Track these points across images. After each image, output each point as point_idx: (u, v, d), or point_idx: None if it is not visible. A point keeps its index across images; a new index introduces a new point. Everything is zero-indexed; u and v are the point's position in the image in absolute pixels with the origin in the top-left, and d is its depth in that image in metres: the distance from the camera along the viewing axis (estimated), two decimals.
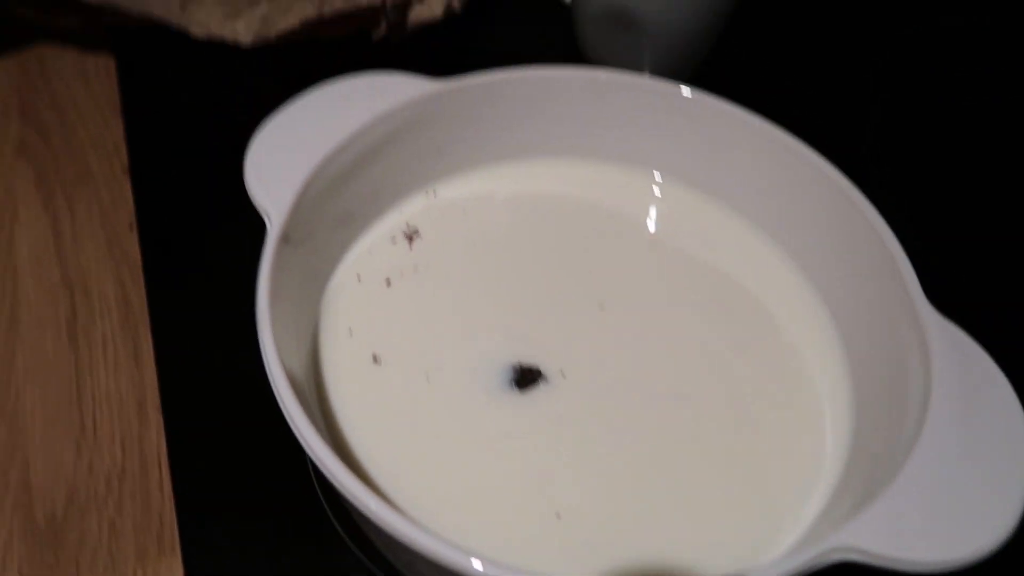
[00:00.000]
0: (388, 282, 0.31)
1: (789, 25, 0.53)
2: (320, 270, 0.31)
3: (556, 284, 0.32)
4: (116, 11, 0.43)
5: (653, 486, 0.26)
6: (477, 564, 0.19)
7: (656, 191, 0.35)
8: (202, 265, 0.38)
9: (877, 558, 0.20)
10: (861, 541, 0.21)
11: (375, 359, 0.29)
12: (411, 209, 0.34)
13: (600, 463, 0.27)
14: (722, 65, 0.47)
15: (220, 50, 0.44)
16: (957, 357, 0.24)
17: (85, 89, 0.46)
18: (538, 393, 0.28)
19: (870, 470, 0.25)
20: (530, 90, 0.33)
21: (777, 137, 0.31)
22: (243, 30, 0.43)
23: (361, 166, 0.31)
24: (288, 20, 0.43)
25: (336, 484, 0.21)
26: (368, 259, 0.32)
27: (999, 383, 0.24)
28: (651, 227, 0.34)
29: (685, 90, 0.33)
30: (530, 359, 0.29)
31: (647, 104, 0.33)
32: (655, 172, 0.35)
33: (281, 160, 0.29)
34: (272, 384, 0.23)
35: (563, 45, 0.49)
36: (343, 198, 0.30)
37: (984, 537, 0.21)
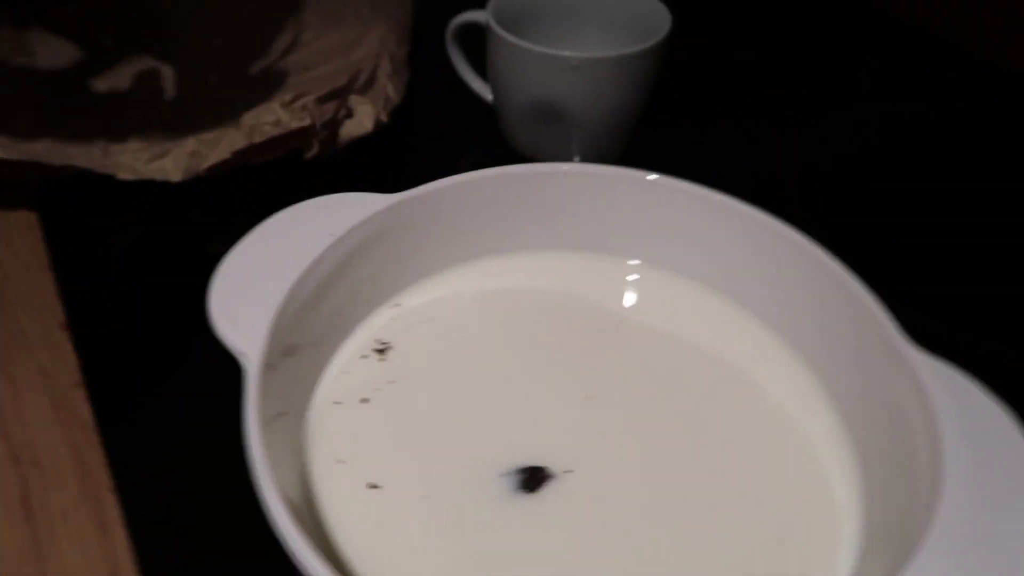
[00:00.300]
0: (366, 400, 0.30)
1: (690, 100, 0.55)
2: (297, 400, 0.30)
3: (540, 378, 0.31)
4: (37, 165, 0.41)
5: (680, 571, 0.26)
6: None
7: (629, 276, 0.35)
8: (161, 414, 0.36)
9: None
10: None
11: (372, 486, 0.27)
12: (378, 323, 0.33)
13: (623, 554, 0.26)
14: (643, 144, 0.49)
15: (148, 189, 0.43)
16: (952, 393, 0.25)
17: (7, 248, 0.44)
18: (548, 492, 0.27)
19: (895, 525, 0.25)
20: (487, 190, 0.33)
21: (738, 209, 0.32)
22: (172, 168, 0.42)
23: (326, 290, 0.30)
24: (218, 152, 0.42)
25: None
26: (343, 381, 0.31)
27: (998, 417, 0.25)
28: (628, 312, 0.34)
29: (651, 176, 0.33)
30: (532, 459, 0.28)
31: (611, 192, 0.34)
32: (626, 258, 0.36)
33: (246, 296, 0.28)
34: (273, 522, 0.22)
35: (492, 140, 0.50)
36: (310, 324, 0.30)
37: None
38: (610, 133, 0.47)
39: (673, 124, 0.51)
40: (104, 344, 0.38)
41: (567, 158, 0.48)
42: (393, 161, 0.48)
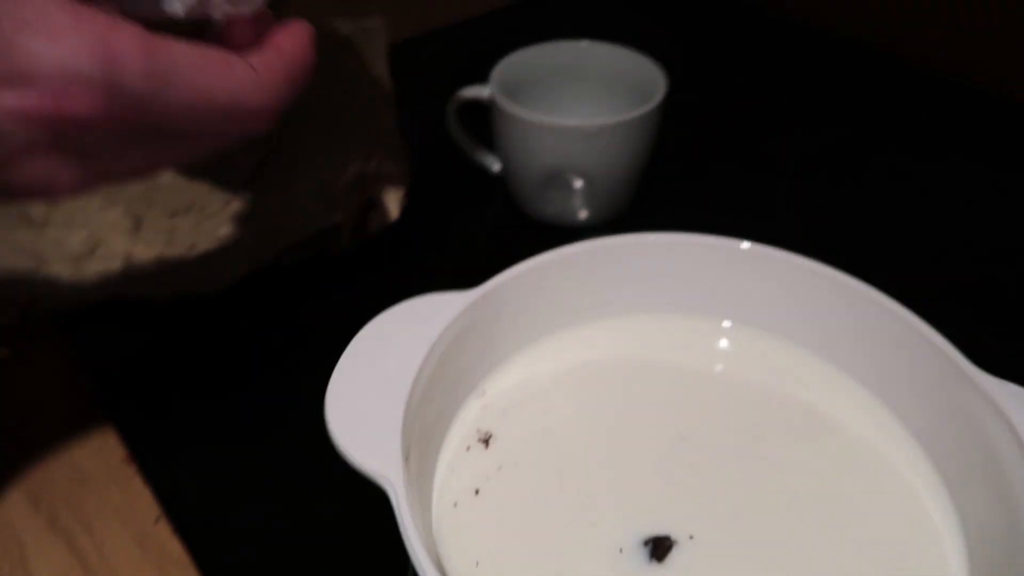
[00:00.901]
0: (478, 492, 0.31)
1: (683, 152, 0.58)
2: (422, 503, 0.30)
3: (643, 445, 0.33)
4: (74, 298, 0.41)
5: None
6: None
7: (721, 338, 0.37)
8: (256, 536, 0.36)
9: None
10: None
11: None
12: (471, 415, 0.34)
13: None
14: (644, 201, 0.51)
15: (183, 306, 0.43)
16: None
17: (45, 386, 0.42)
18: (674, 560, 0.29)
19: (999, 555, 0.27)
20: (556, 271, 0.35)
21: (819, 271, 0.34)
22: (201, 285, 0.42)
23: (429, 394, 0.31)
24: (246, 263, 0.42)
25: None
26: (453, 480, 0.32)
27: None
28: (724, 372, 0.36)
29: (744, 244, 0.35)
30: (653, 529, 0.30)
31: (699, 258, 0.36)
32: (718, 319, 0.37)
33: (366, 416, 0.28)
34: None
35: (502, 207, 0.52)
36: (418, 430, 0.30)
37: None
38: (619, 191, 0.49)
39: (670, 177, 0.54)
40: (175, 471, 0.38)
41: (578, 218, 0.50)
42: (415, 246, 0.49)
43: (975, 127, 0.60)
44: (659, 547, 0.29)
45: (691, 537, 0.30)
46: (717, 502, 0.31)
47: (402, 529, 0.25)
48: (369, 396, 0.29)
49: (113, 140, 0.25)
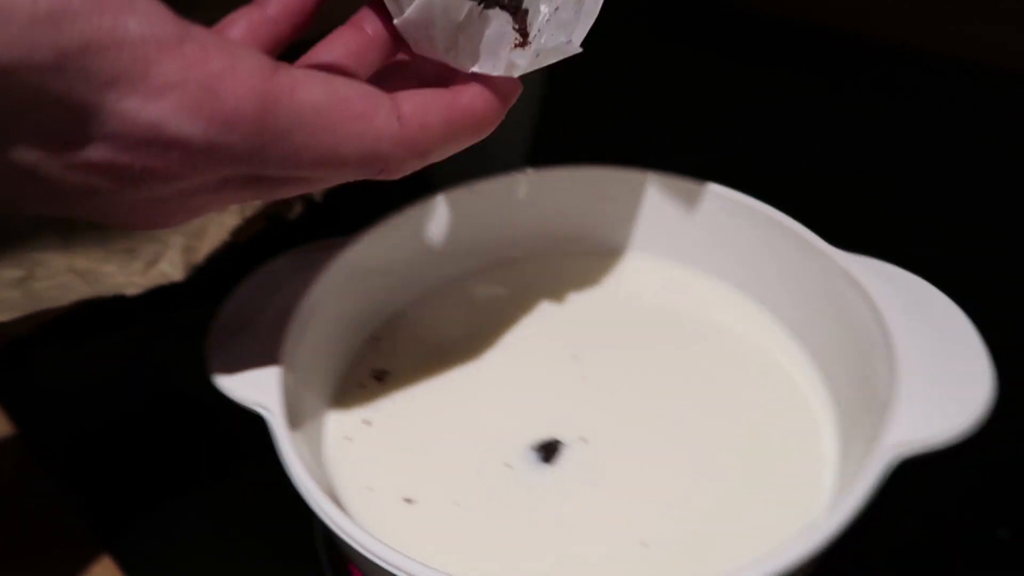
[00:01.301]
0: (368, 423, 0.32)
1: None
2: (311, 439, 0.31)
3: (538, 366, 0.34)
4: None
5: (697, 505, 0.28)
6: None
7: (612, 261, 0.38)
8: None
9: (919, 443, 0.24)
10: (906, 436, 0.24)
11: (408, 501, 0.29)
12: (365, 357, 0.35)
13: (638, 498, 0.29)
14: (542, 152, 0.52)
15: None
16: (880, 277, 0.29)
17: None
18: (566, 461, 0.30)
19: (865, 401, 0.28)
20: (443, 215, 0.36)
21: (687, 186, 0.36)
22: (172, 269, 0.42)
23: (314, 336, 0.31)
24: (210, 240, 0.43)
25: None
26: (346, 417, 0.32)
27: (929, 291, 0.29)
28: (611, 293, 0.37)
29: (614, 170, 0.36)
30: (545, 437, 0.31)
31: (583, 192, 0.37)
32: (606, 244, 0.39)
33: (247, 355, 0.29)
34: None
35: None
36: (306, 370, 0.31)
37: (975, 410, 0.25)
38: (513, 144, 0.50)
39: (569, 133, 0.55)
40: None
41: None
42: (367, 198, 0.48)
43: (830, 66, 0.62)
44: (548, 450, 0.30)
45: (583, 439, 0.30)
46: (606, 408, 0.32)
47: (282, 456, 0.26)
48: (250, 337, 0.30)
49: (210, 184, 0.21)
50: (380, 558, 0.22)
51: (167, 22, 0.18)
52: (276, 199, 0.26)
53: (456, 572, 0.22)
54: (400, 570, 0.22)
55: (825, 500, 0.28)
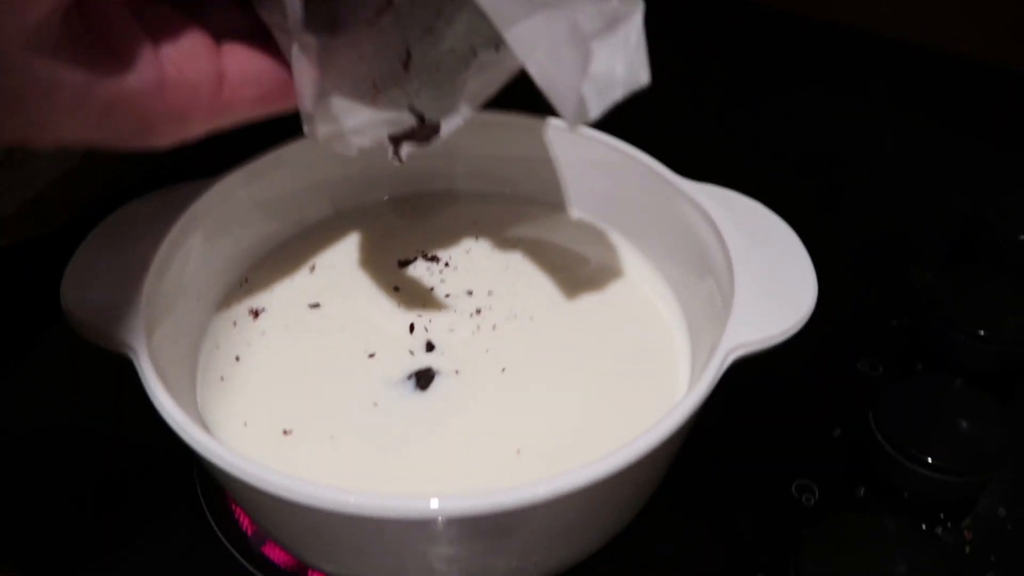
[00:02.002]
0: (237, 359, 0.32)
1: None
2: (181, 382, 0.30)
3: (407, 302, 0.35)
4: None
5: (565, 415, 0.30)
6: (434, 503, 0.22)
7: (473, 205, 0.40)
8: None
9: (753, 344, 0.27)
10: (741, 339, 0.27)
11: (285, 433, 0.29)
12: (237, 298, 0.35)
13: (516, 412, 0.30)
14: None
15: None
16: (719, 201, 0.32)
17: None
18: (440, 388, 0.31)
19: (711, 304, 0.31)
20: (302, 158, 0.36)
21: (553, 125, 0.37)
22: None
23: (177, 277, 0.31)
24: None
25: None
26: (218, 355, 0.32)
27: (763, 212, 0.32)
28: (473, 230, 0.38)
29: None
30: (420, 365, 0.32)
31: None
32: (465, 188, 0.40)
33: (105, 300, 0.28)
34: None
35: None
36: (171, 311, 0.30)
37: (800, 313, 0.28)
38: None
39: None
40: None
41: None
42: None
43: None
44: (423, 378, 0.31)
45: (455, 370, 0.32)
46: (477, 336, 0.33)
47: (150, 393, 0.25)
48: (110, 280, 0.29)
49: None
50: (254, 478, 0.23)
51: None
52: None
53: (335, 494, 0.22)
54: (275, 487, 0.23)
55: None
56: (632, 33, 0.24)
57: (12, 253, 0.41)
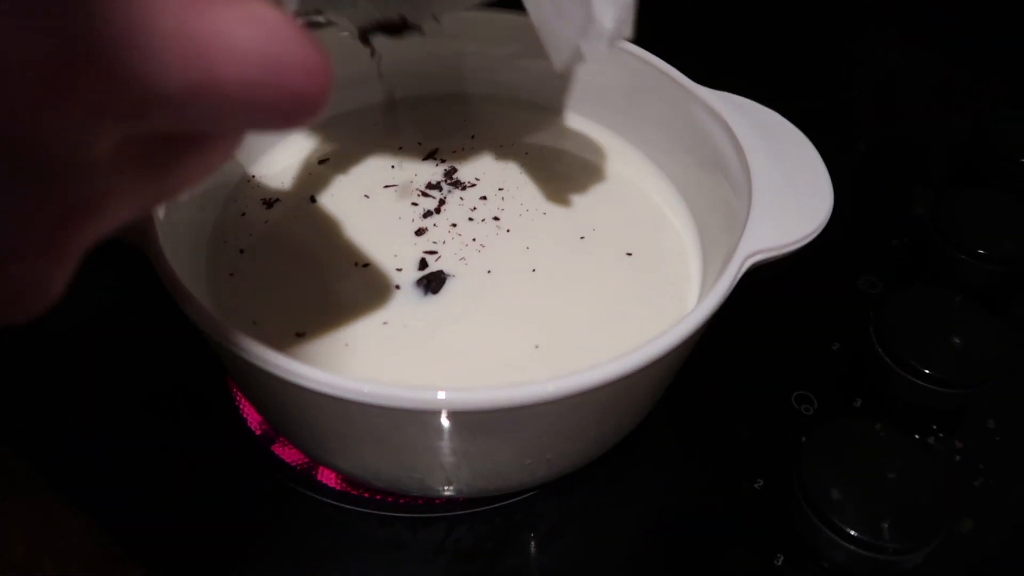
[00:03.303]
0: (242, 252, 0.32)
1: None
2: (192, 275, 0.30)
3: (416, 204, 0.34)
4: None
5: (581, 314, 0.30)
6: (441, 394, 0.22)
7: (479, 109, 0.39)
8: None
9: (771, 250, 0.27)
10: (759, 245, 0.27)
11: (298, 335, 0.29)
12: (243, 192, 0.34)
13: (532, 310, 0.30)
14: None
15: None
16: (735, 107, 0.32)
17: None
18: (451, 289, 0.31)
19: (725, 212, 0.31)
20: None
21: None
22: None
23: None
24: None
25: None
26: (225, 247, 0.32)
27: (778, 120, 0.32)
28: (482, 139, 0.37)
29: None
30: (431, 269, 0.31)
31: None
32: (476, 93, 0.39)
33: None
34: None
35: None
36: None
37: (818, 220, 0.28)
38: None
39: None
40: None
41: None
42: None
43: None
44: (433, 281, 0.31)
45: (464, 273, 0.31)
46: (491, 238, 0.33)
47: (163, 276, 0.25)
48: None
49: None
50: (275, 367, 0.22)
51: None
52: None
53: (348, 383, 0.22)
54: (291, 375, 0.22)
55: (691, 305, 0.31)
56: None
57: None
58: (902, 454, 0.30)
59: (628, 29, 0.24)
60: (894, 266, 0.40)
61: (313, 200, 0.34)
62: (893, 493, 0.29)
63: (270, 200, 0.34)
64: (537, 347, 0.29)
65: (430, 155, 0.36)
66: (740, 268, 0.26)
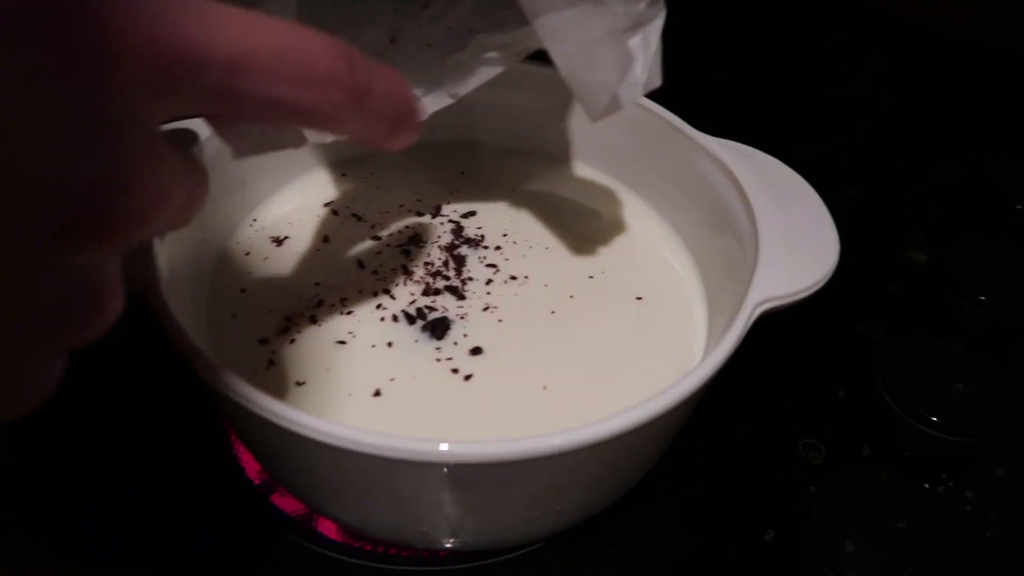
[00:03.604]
0: (244, 291, 0.31)
1: None
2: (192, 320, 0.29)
3: (423, 244, 0.34)
4: None
5: (588, 360, 0.30)
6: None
7: (481, 156, 0.39)
8: None
9: (781, 298, 0.27)
10: (769, 293, 0.27)
11: (298, 384, 0.29)
12: (243, 236, 0.34)
13: (539, 354, 0.30)
14: None
15: None
16: (738, 154, 0.32)
17: None
18: (453, 335, 0.30)
19: (732, 262, 0.31)
20: None
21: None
22: None
23: None
24: None
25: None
26: (227, 289, 0.31)
27: (780, 168, 0.32)
28: (483, 181, 0.38)
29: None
30: (431, 315, 0.31)
31: None
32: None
33: None
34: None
35: None
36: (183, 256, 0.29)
37: (826, 267, 0.28)
38: None
39: None
40: None
41: None
42: None
43: None
44: (437, 327, 0.30)
45: (468, 320, 0.31)
46: (489, 289, 0.32)
47: (166, 324, 0.25)
48: None
49: None
50: (274, 415, 0.22)
51: None
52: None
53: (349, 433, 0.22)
54: (291, 424, 0.22)
55: (697, 352, 0.31)
56: (653, 37, 0.25)
57: None
58: (913, 504, 0.30)
59: (658, 76, 0.25)
60: (894, 312, 0.40)
61: (326, 240, 0.34)
62: (906, 545, 0.28)
63: (279, 239, 0.34)
64: (545, 388, 0.28)
65: (438, 200, 0.36)
66: (750, 316, 0.26)
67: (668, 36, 0.25)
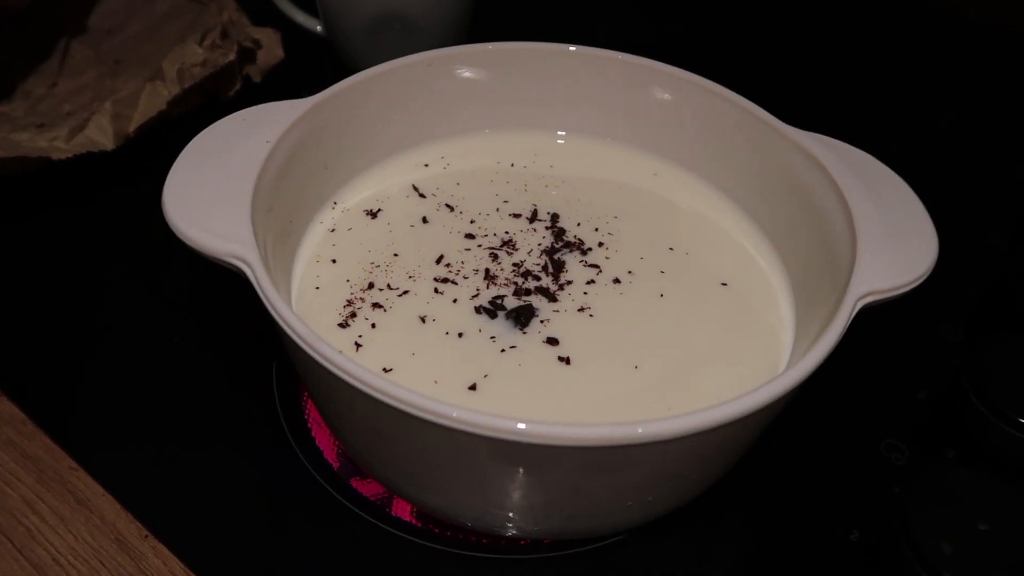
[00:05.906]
0: (334, 261, 0.32)
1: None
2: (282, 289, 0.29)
3: (500, 233, 0.34)
4: None
5: (678, 344, 0.30)
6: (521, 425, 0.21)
7: (558, 142, 0.39)
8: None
9: (885, 291, 0.26)
10: (872, 286, 0.26)
11: (385, 370, 0.28)
12: (327, 219, 0.34)
13: (629, 337, 0.30)
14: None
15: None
16: (830, 149, 0.31)
17: None
18: (536, 325, 0.30)
19: (825, 257, 0.30)
20: (398, 82, 0.35)
21: (643, 64, 0.36)
22: (100, 136, 0.39)
23: (278, 193, 0.30)
24: (145, 108, 0.40)
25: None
26: (315, 265, 0.32)
27: (872, 162, 0.32)
28: (562, 172, 0.38)
29: (572, 47, 0.36)
30: (514, 303, 0.31)
31: (532, 68, 0.37)
32: (554, 130, 0.39)
33: (212, 208, 0.27)
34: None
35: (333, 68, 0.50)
36: (270, 226, 0.29)
37: (927, 260, 0.28)
38: (447, 32, 0.49)
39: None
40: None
41: None
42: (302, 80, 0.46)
43: None
44: (522, 314, 0.30)
45: (555, 311, 0.31)
46: (575, 273, 0.32)
47: (265, 301, 0.25)
48: (210, 191, 0.28)
49: None
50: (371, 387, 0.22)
51: None
52: None
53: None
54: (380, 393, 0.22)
55: (785, 343, 0.30)
56: None
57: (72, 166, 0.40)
58: (1006, 505, 0.29)
59: None
60: (974, 313, 0.39)
61: (423, 221, 0.34)
62: (1002, 546, 0.27)
63: (373, 212, 0.34)
64: (637, 368, 0.28)
65: (527, 198, 0.36)
66: (853, 309, 0.26)
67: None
